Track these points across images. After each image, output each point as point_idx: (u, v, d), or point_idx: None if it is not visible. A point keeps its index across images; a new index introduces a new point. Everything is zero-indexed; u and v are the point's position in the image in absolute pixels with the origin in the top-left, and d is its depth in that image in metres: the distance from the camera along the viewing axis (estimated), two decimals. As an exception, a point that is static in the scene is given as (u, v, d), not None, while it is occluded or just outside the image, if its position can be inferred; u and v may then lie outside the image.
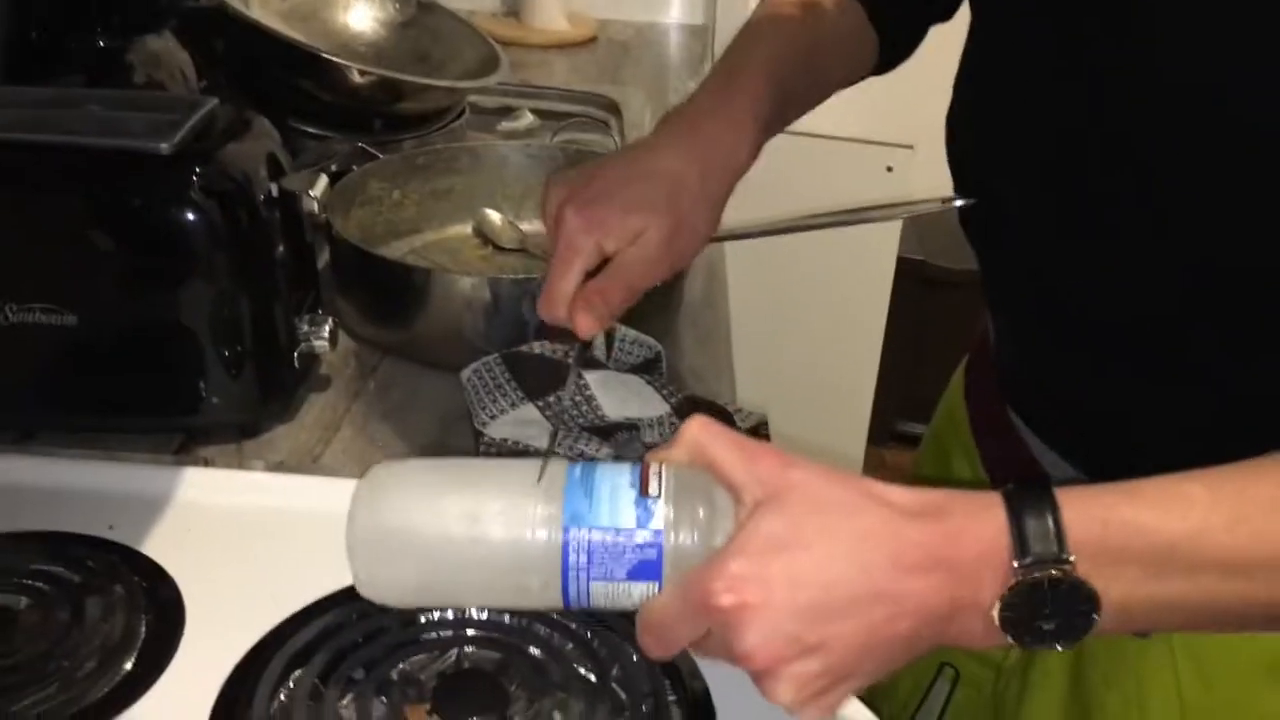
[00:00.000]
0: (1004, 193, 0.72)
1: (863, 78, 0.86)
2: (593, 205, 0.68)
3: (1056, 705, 0.80)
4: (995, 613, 0.50)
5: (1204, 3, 0.55)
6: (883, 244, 1.79)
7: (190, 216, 0.77)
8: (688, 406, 0.85)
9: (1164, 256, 0.62)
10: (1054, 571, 0.49)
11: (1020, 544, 0.50)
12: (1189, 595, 0.52)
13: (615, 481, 0.55)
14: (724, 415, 0.84)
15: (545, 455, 0.57)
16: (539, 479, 0.55)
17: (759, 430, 0.85)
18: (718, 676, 0.65)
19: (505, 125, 1.48)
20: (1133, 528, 0.50)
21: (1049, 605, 0.50)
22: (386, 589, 0.57)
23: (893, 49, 0.85)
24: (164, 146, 0.77)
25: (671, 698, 0.64)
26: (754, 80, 0.74)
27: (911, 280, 2.30)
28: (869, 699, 1.00)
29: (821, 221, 0.95)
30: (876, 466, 2.54)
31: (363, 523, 0.56)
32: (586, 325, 0.67)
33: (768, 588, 0.49)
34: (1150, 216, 0.61)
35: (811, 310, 1.80)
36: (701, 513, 0.54)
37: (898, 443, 2.60)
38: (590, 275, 0.69)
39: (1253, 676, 0.71)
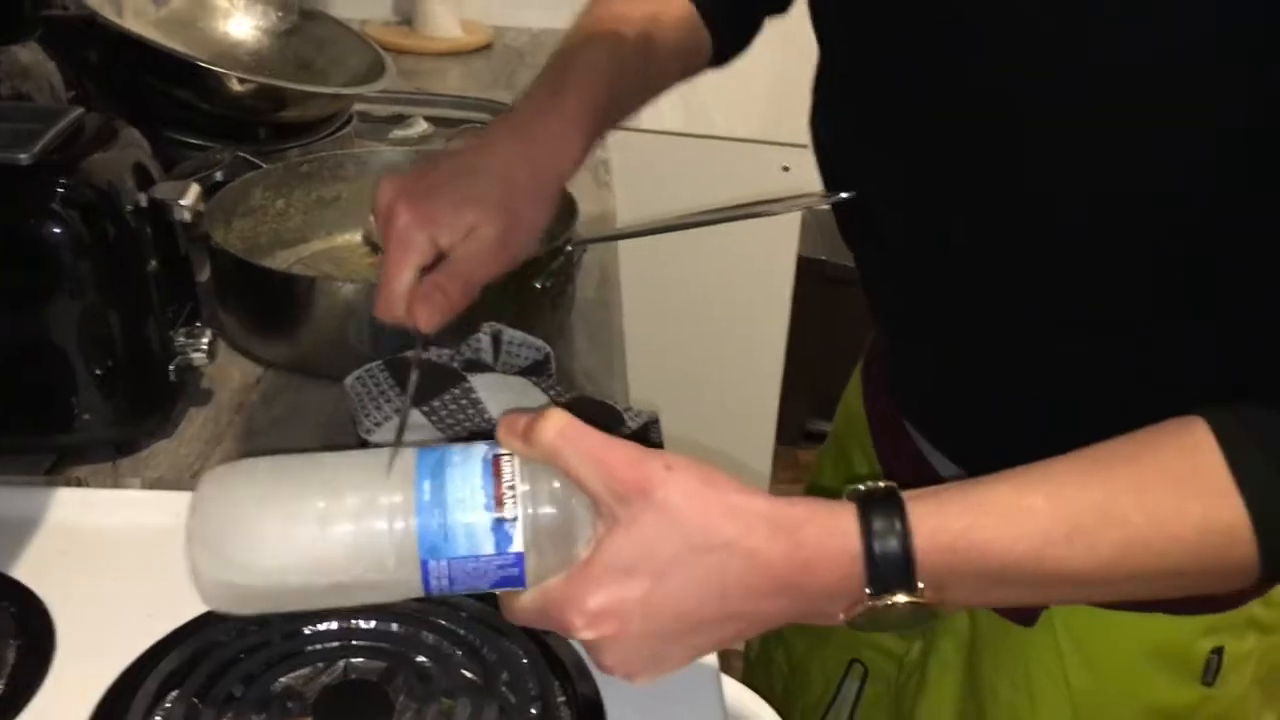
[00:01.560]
0: (868, 193, 0.73)
1: (700, 71, 0.87)
2: (424, 200, 0.67)
3: (952, 696, 0.82)
4: (842, 618, 0.53)
5: None
6: (781, 243, 1.80)
7: (52, 228, 0.75)
8: (576, 407, 0.84)
9: (1024, 257, 0.63)
10: (902, 597, 0.51)
11: (873, 576, 0.51)
12: (1029, 598, 0.57)
13: (470, 503, 0.54)
14: (612, 415, 0.84)
15: (389, 464, 0.56)
16: (388, 493, 0.54)
17: (649, 429, 0.85)
18: (608, 677, 0.64)
19: (398, 133, 1.47)
20: (979, 548, 0.52)
21: (895, 617, 0.53)
22: (234, 605, 0.57)
23: (726, 44, 0.86)
24: (23, 157, 0.74)
25: (561, 699, 0.64)
26: (584, 78, 0.75)
27: (816, 280, 2.32)
28: (782, 698, 1.01)
29: (705, 219, 0.96)
30: (790, 465, 2.56)
31: (202, 536, 0.54)
32: (427, 317, 0.67)
33: (624, 621, 0.52)
34: (1014, 216, 0.62)
35: (710, 310, 1.80)
36: (560, 528, 0.54)
37: (810, 441, 2.63)
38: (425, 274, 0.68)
39: (1138, 661, 0.72)
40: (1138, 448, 0.53)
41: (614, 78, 0.76)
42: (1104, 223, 0.58)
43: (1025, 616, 0.74)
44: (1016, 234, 0.62)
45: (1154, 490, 0.51)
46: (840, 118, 0.75)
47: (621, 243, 1.20)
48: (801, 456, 2.60)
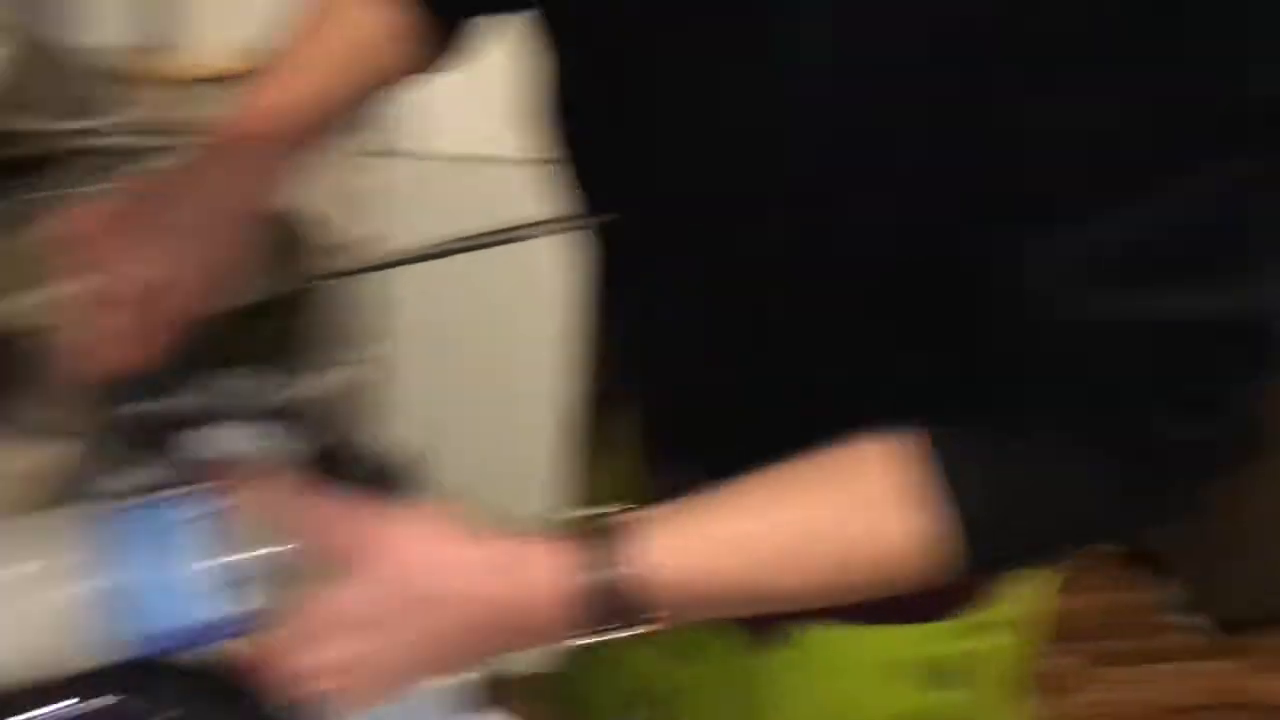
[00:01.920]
0: (624, 216, 0.71)
1: (414, 78, 0.82)
2: (112, 237, 0.64)
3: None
4: (577, 644, 0.54)
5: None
6: (551, 267, 1.75)
7: None
8: (325, 450, 0.81)
9: (779, 278, 0.61)
10: (625, 629, 0.53)
11: (592, 611, 0.52)
12: (748, 613, 0.59)
13: (183, 564, 0.52)
14: (361, 459, 0.81)
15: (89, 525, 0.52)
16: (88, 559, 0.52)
17: (404, 470, 0.82)
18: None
19: (153, 166, 1.39)
20: (699, 577, 0.54)
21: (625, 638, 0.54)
22: None
23: (440, 53, 0.81)
24: None
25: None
26: (286, 99, 0.72)
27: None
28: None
29: (459, 246, 0.94)
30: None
31: None
32: (123, 360, 0.64)
33: (349, 675, 0.53)
34: (752, 237, 0.60)
35: (482, 340, 1.76)
36: (283, 584, 0.53)
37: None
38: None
39: (877, 672, 0.73)
40: (839, 466, 0.55)
41: (319, 94, 0.73)
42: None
43: (768, 637, 0.74)
44: (778, 255, 0.60)
45: (854, 509, 0.54)
46: (583, 140, 0.73)
47: (389, 273, 1.17)
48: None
